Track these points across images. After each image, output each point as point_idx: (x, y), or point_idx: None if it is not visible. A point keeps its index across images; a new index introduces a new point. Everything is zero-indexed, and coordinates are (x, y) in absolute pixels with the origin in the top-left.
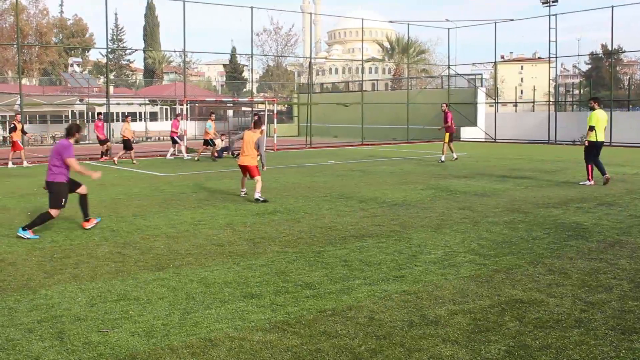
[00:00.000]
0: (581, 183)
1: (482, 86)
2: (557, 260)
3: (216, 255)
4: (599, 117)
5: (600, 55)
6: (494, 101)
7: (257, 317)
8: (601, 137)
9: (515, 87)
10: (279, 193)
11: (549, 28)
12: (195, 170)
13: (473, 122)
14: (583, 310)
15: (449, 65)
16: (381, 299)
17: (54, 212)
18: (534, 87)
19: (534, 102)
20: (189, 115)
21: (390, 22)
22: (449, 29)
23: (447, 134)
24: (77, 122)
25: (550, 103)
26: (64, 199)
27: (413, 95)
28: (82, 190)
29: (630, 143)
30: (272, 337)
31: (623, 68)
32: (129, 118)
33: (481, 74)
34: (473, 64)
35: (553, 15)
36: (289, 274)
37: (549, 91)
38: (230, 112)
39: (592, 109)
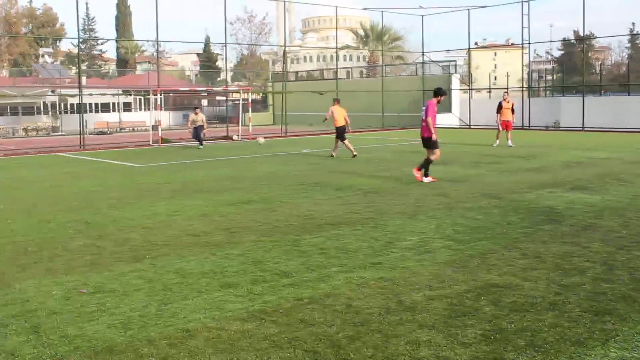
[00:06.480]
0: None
1: (456, 73)
2: (531, 244)
3: (192, 246)
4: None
5: (572, 41)
6: (468, 88)
7: (234, 307)
8: None
9: (489, 74)
10: (253, 182)
11: (522, 14)
12: (170, 161)
13: (447, 109)
14: (557, 293)
15: (422, 52)
16: (358, 286)
17: None
18: (507, 73)
19: (507, 88)
20: (163, 106)
21: (364, 9)
22: (422, 16)
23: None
24: (50, 113)
25: (524, 89)
26: None
27: (388, 82)
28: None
29: (602, 128)
30: (250, 326)
31: (595, 54)
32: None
33: (455, 61)
34: (447, 50)
35: (525, 1)
36: (266, 263)
37: (522, 77)
38: (205, 102)
39: None
